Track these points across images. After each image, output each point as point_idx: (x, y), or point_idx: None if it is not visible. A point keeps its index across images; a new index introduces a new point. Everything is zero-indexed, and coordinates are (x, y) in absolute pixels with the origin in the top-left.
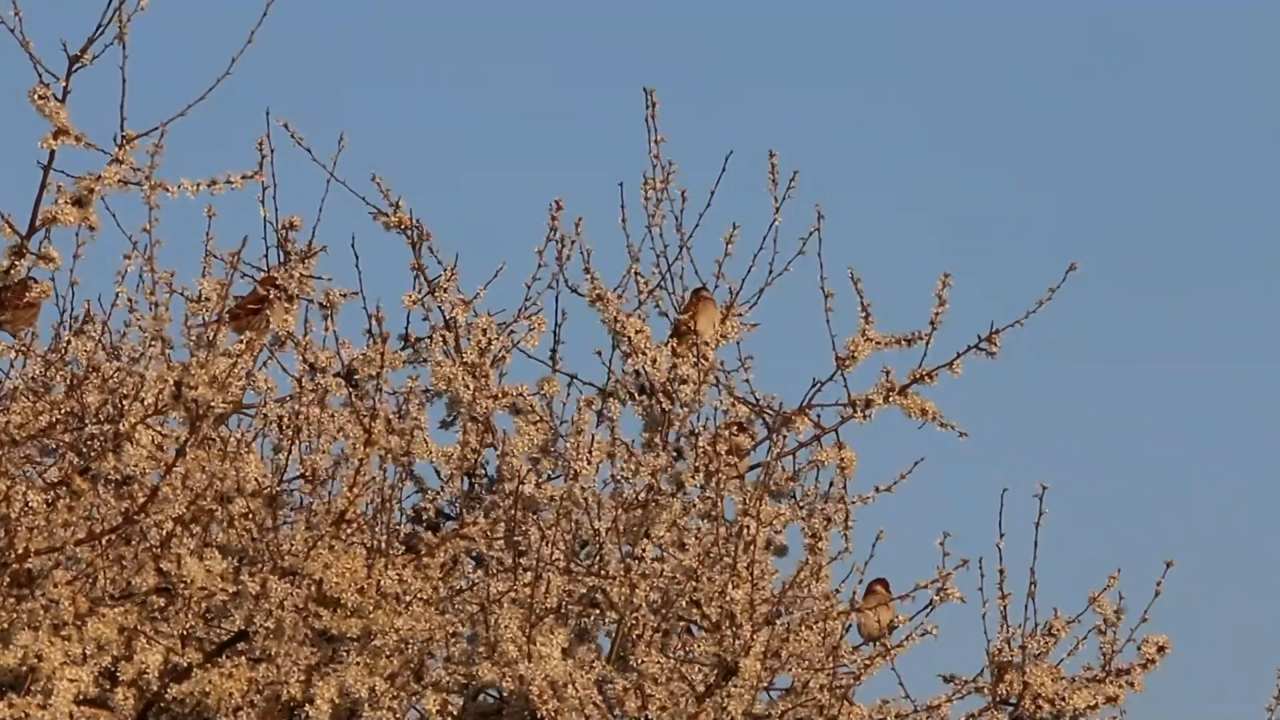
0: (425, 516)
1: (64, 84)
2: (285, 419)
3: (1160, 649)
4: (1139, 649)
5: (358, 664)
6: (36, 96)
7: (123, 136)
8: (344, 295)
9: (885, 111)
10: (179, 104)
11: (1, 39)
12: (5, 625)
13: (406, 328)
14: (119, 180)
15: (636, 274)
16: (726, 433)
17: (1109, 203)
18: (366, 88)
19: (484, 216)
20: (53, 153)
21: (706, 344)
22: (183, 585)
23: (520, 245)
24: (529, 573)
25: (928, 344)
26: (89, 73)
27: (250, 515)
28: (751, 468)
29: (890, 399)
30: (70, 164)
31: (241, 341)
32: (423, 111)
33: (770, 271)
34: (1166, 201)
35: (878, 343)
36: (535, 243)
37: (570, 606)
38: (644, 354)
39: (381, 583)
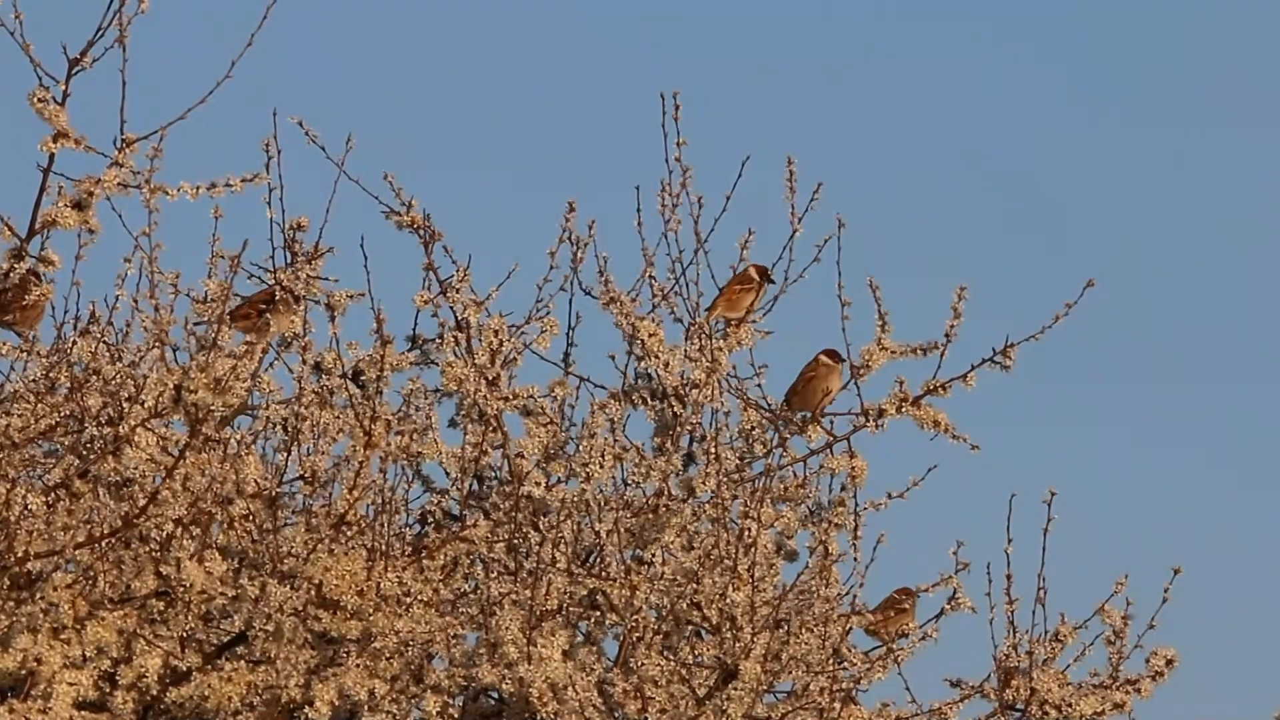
0: (432, 518)
1: (64, 87)
2: (287, 421)
3: (1169, 662)
4: (1148, 661)
5: (357, 666)
6: (36, 99)
7: (122, 140)
8: (350, 296)
9: (899, 121)
10: (179, 107)
11: (1, 42)
12: (5, 628)
13: (414, 328)
14: (118, 183)
15: (651, 278)
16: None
17: (1124, 220)
18: (372, 88)
19: (496, 218)
20: (52, 156)
21: (730, 327)
22: (182, 589)
23: (533, 247)
24: (530, 575)
25: (942, 355)
26: (89, 76)
27: (250, 517)
28: (759, 474)
29: (903, 409)
30: (70, 167)
31: (245, 343)
32: (430, 111)
33: (785, 278)
34: (1177, 216)
35: (893, 352)
36: (549, 244)
37: (572, 609)
38: (657, 357)
39: (381, 585)
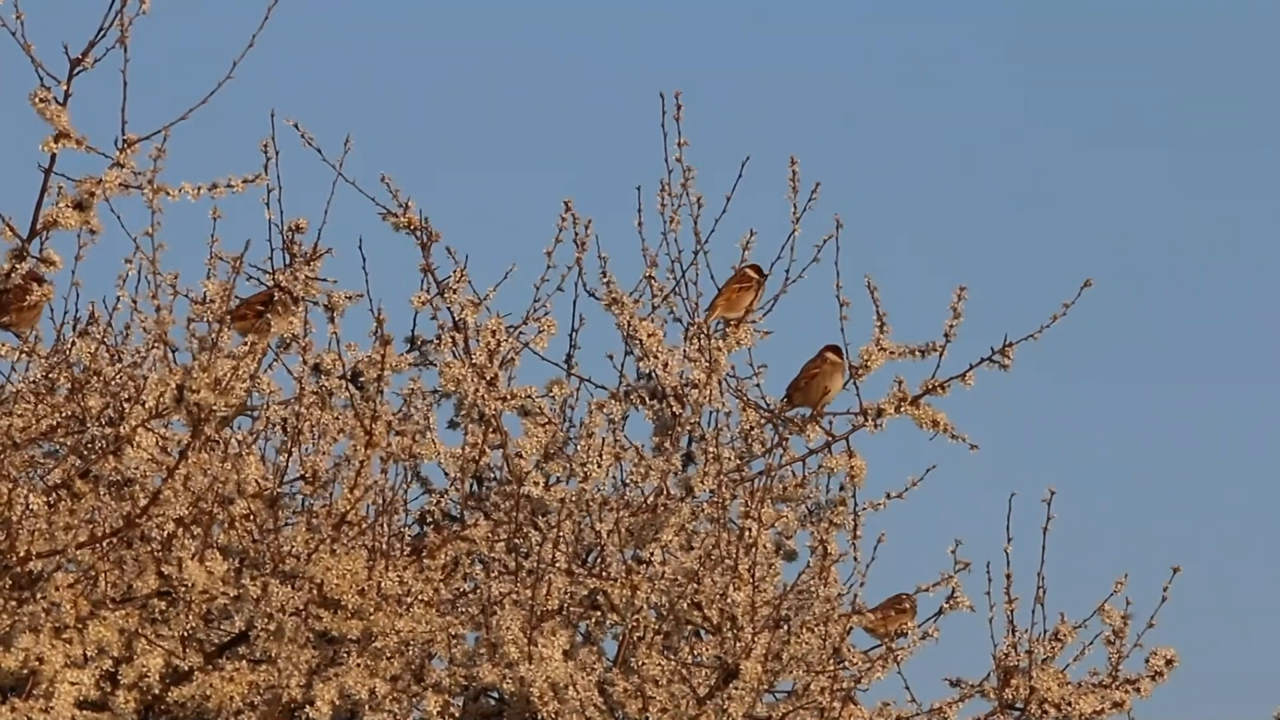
0: (431, 519)
1: (65, 87)
2: (287, 421)
3: (1169, 661)
4: (1147, 661)
5: (358, 666)
6: (38, 100)
7: (124, 140)
8: (348, 298)
9: (899, 121)
10: (181, 107)
11: (3, 42)
12: (7, 628)
13: (413, 329)
14: (120, 184)
15: (652, 278)
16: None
17: (1120, 220)
18: (372, 88)
19: (494, 218)
20: (54, 156)
21: (729, 326)
22: (184, 589)
23: (533, 247)
24: (531, 574)
25: (941, 355)
26: (90, 76)
27: (251, 517)
28: (758, 473)
29: (902, 409)
30: (72, 167)
31: (245, 344)
32: (430, 111)
33: (786, 278)
34: (1174, 218)
35: (892, 353)
36: (547, 244)
37: (572, 609)
38: (656, 358)
39: (382, 584)
